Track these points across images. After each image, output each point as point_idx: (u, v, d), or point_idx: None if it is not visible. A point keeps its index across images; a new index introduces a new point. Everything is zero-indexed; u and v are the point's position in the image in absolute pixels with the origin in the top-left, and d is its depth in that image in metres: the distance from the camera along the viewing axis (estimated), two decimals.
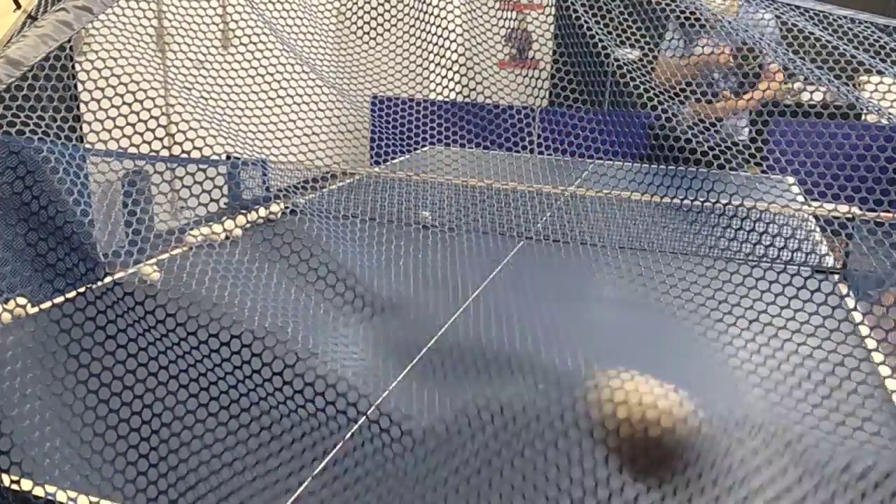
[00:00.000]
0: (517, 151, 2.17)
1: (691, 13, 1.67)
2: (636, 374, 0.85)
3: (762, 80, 2.56)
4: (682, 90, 1.70)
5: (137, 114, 1.28)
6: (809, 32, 1.52)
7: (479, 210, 2.21)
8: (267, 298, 1.32)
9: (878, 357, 1.35)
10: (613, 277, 1.68)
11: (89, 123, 1.26)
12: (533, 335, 1.42)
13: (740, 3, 2.04)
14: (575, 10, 1.72)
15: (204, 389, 1.00)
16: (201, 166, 1.30)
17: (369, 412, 1.10)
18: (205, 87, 1.50)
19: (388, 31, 1.85)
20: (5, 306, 1.43)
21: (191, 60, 1.52)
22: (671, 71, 1.77)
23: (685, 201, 1.47)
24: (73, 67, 1.29)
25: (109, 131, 1.28)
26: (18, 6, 1.34)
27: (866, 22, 1.47)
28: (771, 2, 1.54)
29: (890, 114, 1.41)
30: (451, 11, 1.88)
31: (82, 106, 1.26)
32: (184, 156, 1.32)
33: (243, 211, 2.07)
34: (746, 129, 2.85)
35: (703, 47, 2.12)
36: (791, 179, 2.72)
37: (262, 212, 2.13)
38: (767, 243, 1.50)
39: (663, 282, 1.56)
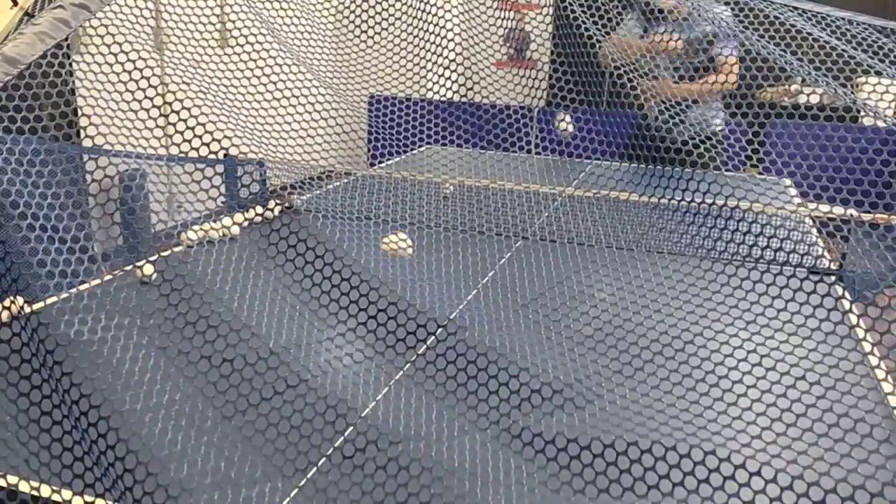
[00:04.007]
0: (514, 151, 2.17)
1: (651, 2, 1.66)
2: None
3: (712, 73, 2.54)
4: (627, 66, 1.69)
5: (135, 112, 1.28)
6: (807, 33, 1.52)
7: (476, 210, 2.21)
8: (263, 297, 1.32)
9: (874, 359, 1.35)
10: (610, 278, 1.69)
11: (85, 125, 1.25)
12: (530, 335, 1.42)
13: None
14: (573, 11, 1.72)
15: (200, 389, 1.00)
16: (199, 165, 1.30)
17: (364, 414, 1.10)
18: (202, 85, 1.50)
19: (386, 30, 1.85)
20: (2, 304, 1.43)
21: (188, 59, 1.52)
22: (620, 48, 1.76)
23: (682, 202, 1.47)
24: (70, 66, 1.29)
25: (106, 133, 1.27)
26: (15, 3, 1.33)
27: (864, 23, 1.48)
28: (770, 2, 1.54)
29: (887, 116, 1.41)
30: (449, 11, 1.87)
31: (79, 104, 1.26)
32: (181, 154, 1.32)
33: (240, 210, 2.07)
34: (719, 122, 2.80)
35: (659, 34, 2.11)
36: (788, 181, 2.73)
37: (260, 210, 2.13)
38: (764, 244, 1.50)
39: (660, 283, 1.56)
